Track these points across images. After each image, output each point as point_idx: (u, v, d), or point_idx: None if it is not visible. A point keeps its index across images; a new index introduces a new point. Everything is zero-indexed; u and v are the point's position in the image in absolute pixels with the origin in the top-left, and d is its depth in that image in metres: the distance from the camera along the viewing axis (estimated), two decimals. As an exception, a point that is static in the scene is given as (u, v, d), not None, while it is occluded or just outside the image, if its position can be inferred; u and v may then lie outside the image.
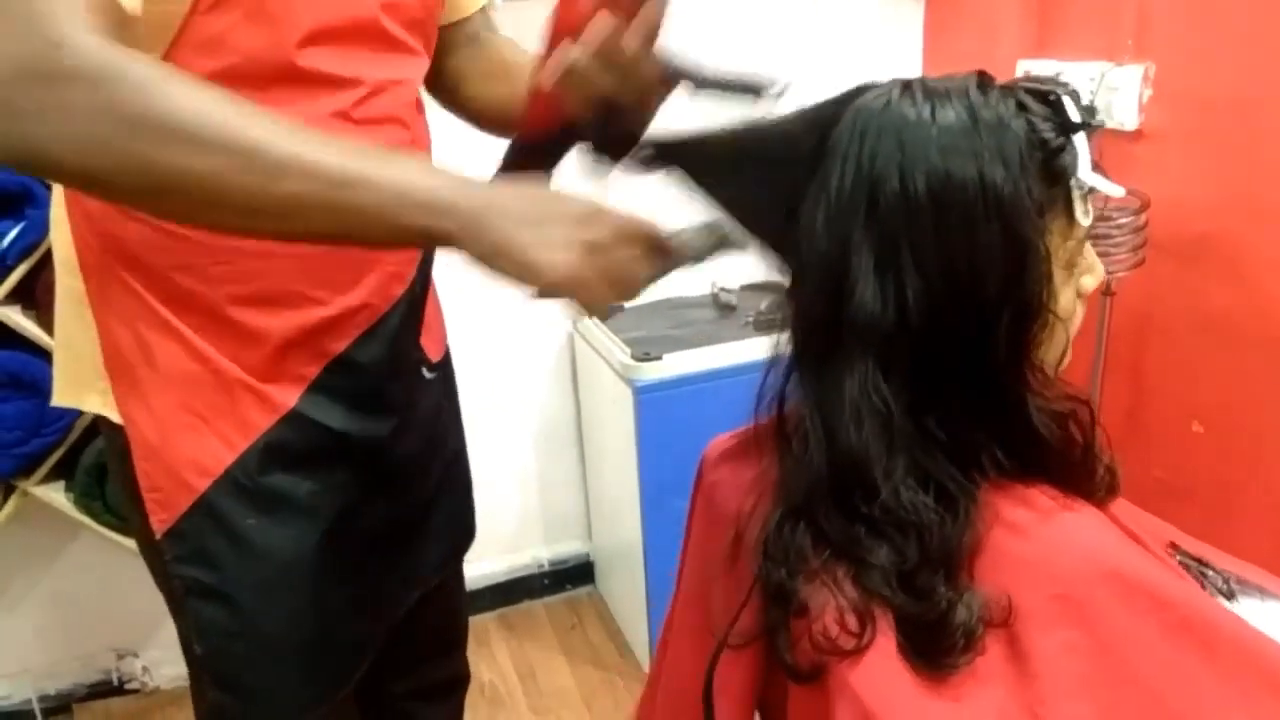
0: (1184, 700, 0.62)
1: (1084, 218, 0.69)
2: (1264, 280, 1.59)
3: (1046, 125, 0.66)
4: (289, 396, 0.92)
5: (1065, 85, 0.68)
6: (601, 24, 0.80)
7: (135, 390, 0.89)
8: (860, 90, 0.70)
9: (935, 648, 0.62)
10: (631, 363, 1.85)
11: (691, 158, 0.80)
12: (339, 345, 0.94)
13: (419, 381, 1.08)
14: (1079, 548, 0.65)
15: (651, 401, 1.84)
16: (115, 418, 0.91)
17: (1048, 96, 0.67)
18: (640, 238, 0.76)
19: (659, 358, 1.84)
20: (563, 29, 0.83)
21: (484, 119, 1.12)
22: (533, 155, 0.89)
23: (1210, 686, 0.62)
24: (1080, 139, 0.67)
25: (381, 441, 1.00)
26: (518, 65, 1.09)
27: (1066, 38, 1.90)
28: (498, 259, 0.71)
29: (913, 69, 2.27)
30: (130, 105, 0.65)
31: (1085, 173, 0.67)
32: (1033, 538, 0.65)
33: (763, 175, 0.74)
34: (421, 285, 1.03)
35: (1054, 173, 0.67)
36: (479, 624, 2.31)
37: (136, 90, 0.66)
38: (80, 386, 0.93)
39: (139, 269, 0.87)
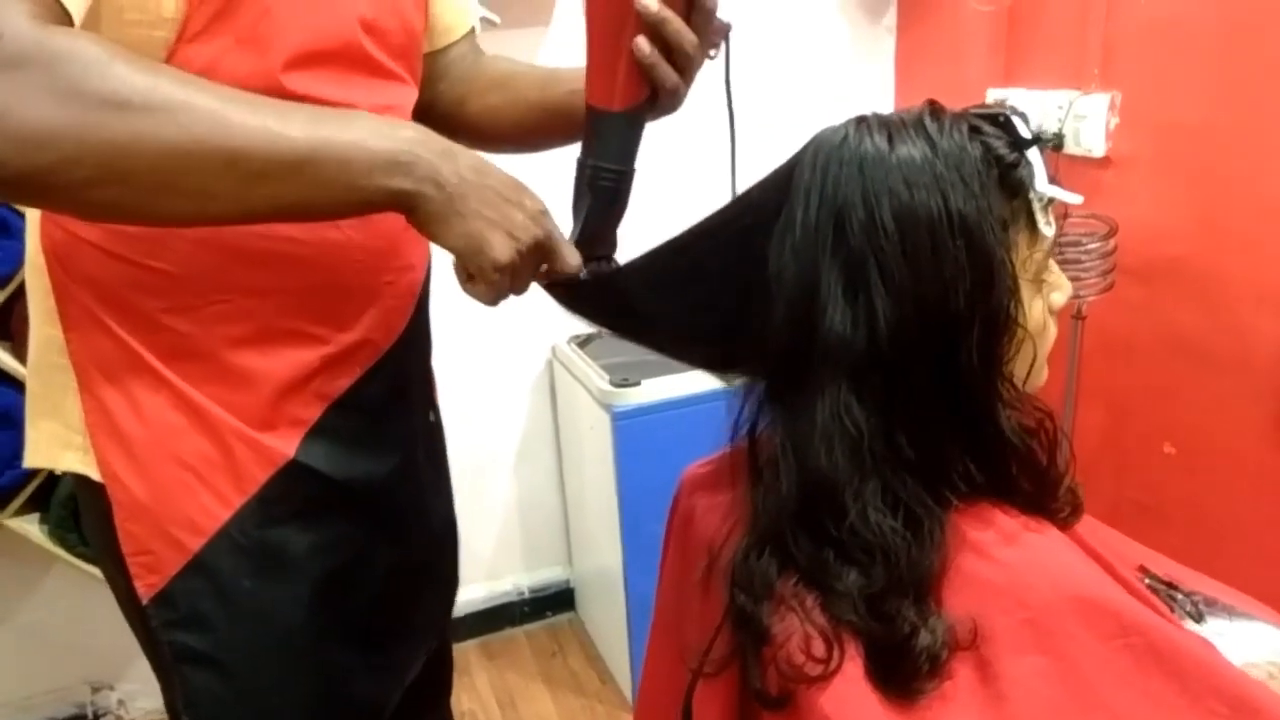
0: None
1: (1047, 228, 0.71)
2: (1231, 302, 1.62)
3: (999, 143, 0.69)
4: (288, 445, 0.87)
5: (1012, 108, 0.71)
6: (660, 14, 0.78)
7: (121, 447, 0.84)
8: (816, 138, 0.72)
9: (900, 673, 0.62)
10: (610, 388, 1.85)
11: (641, 276, 0.81)
12: (340, 385, 0.90)
13: (422, 424, 1.03)
14: (1047, 572, 0.66)
15: (630, 427, 1.85)
16: (96, 476, 0.86)
17: (997, 118, 0.70)
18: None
19: (637, 383, 1.85)
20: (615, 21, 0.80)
21: (490, 133, 1.09)
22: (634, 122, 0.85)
23: (1176, 711, 0.63)
24: (1034, 154, 0.70)
25: (382, 486, 0.95)
26: (513, 73, 1.08)
27: (1034, 67, 1.94)
28: (454, 222, 0.71)
29: (885, 98, 2.30)
30: (82, 82, 0.62)
31: (1042, 185, 0.70)
32: (1001, 561, 0.66)
33: (730, 256, 0.75)
34: (424, 320, 0.99)
35: (1012, 186, 0.69)
36: (459, 652, 2.28)
37: (86, 67, 0.63)
38: (56, 444, 0.88)
39: (126, 315, 0.82)
